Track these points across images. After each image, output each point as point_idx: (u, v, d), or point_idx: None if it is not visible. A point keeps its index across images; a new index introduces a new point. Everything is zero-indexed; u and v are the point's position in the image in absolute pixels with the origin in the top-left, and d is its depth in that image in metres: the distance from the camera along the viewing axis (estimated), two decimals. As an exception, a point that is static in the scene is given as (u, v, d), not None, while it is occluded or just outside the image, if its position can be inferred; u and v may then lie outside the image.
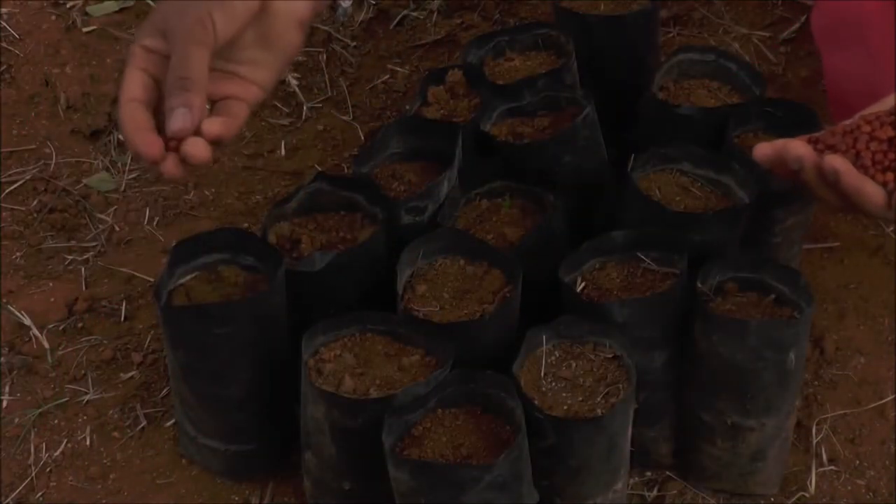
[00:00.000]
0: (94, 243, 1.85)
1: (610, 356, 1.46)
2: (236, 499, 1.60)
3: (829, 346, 1.74)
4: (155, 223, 1.88)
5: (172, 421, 1.65)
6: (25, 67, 2.05)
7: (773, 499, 1.61)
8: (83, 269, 1.82)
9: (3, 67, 2.04)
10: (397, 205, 1.56)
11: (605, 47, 1.78)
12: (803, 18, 2.12)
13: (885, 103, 1.40)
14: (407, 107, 1.78)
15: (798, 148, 1.35)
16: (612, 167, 1.68)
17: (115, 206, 1.90)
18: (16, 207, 1.89)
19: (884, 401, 1.70)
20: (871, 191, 1.32)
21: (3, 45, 2.05)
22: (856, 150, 1.34)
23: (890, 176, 1.32)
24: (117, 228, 1.87)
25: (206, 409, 1.56)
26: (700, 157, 1.62)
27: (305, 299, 1.52)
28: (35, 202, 1.90)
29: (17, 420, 1.67)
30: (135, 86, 1.36)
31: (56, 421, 1.67)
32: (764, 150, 1.38)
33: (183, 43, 1.35)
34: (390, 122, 1.67)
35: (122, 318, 1.77)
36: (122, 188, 1.92)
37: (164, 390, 1.68)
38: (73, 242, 1.85)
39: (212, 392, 1.53)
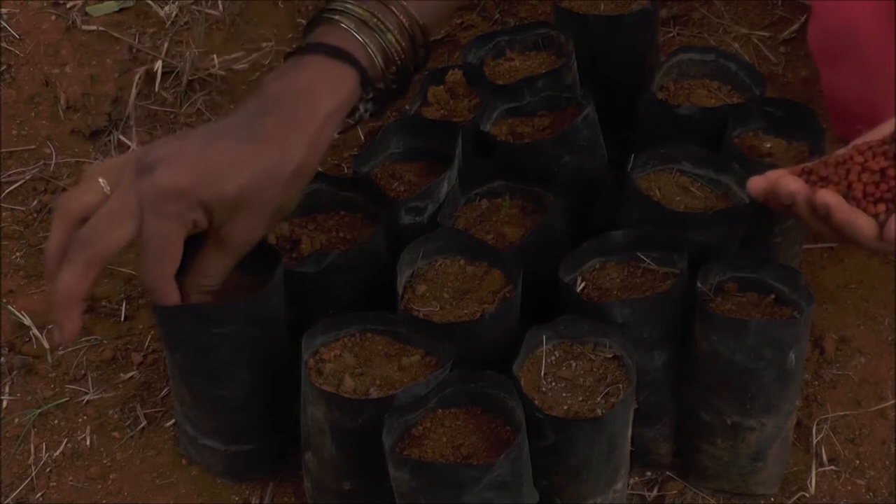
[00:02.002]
0: (94, 243, 1.85)
1: (610, 356, 1.46)
2: (236, 499, 1.60)
3: (829, 346, 1.74)
4: (155, 223, 1.88)
5: (172, 421, 1.65)
6: (25, 68, 2.05)
7: (773, 499, 1.62)
8: (83, 270, 1.82)
9: (3, 67, 2.04)
10: (397, 205, 1.55)
11: (605, 47, 1.78)
12: (803, 18, 2.12)
13: (880, 131, 1.41)
14: (407, 107, 1.78)
15: (790, 183, 1.36)
16: (612, 167, 1.68)
17: (115, 207, 1.89)
18: (16, 207, 1.89)
19: (885, 403, 1.70)
20: (863, 223, 1.33)
21: (3, 45, 2.05)
22: (848, 181, 1.34)
23: (881, 207, 1.32)
24: (117, 228, 1.87)
25: (206, 410, 1.56)
26: (700, 157, 1.62)
27: (305, 299, 1.52)
28: (35, 202, 1.90)
29: (17, 420, 1.67)
30: (174, 262, 1.38)
31: (56, 421, 1.67)
32: (757, 183, 1.39)
33: (227, 254, 1.41)
34: (390, 122, 1.66)
35: (122, 318, 1.77)
36: (122, 188, 1.91)
37: (164, 390, 1.68)
38: (73, 243, 1.85)
39: (211, 392, 1.53)
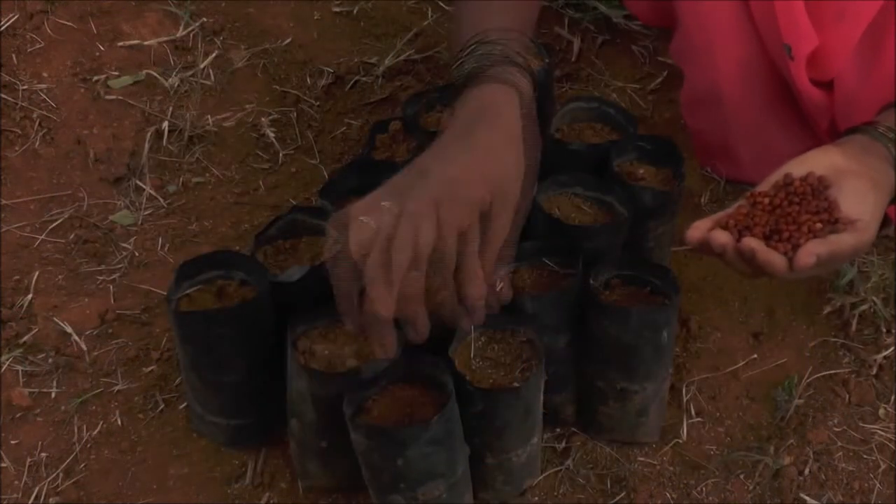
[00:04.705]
0: (119, 266, 1.84)
1: (524, 339, 1.46)
2: (237, 462, 1.59)
3: (693, 325, 1.75)
4: (166, 249, 1.87)
5: (185, 404, 1.64)
6: (62, 130, 2.03)
7: (654, 445, 1.62)
8: (111, 287, 1.81)
9: (45, 131, 2.02)
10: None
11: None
12: (665, 73, 2.14)
13: (769, 181, 1.41)
14: (360, 151, 1.78)
15: (719, 237, 1.35)
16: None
17: (135, 237, 1.88)
18: (57, 240, 1.88)
19: (736, 366, 1.71)
20: (776, 260, 1.33)
21: (44, 112, 2.04)
22: (762, 226, 1.35)
23: (788, 246, 1.32)
24: (137, 254, 1.86)
25: (211, 393, 1.55)
26: (589, 182, 1.62)
27: (287, 303, 1.51)
28: (72, 235, 1.89)
29: (63, 407, 1.65)
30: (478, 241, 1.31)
31: (94, 407, 1.66)
32: (694, 235, 1.38)
33: (493, 249, 1.35)
34: (347, 164, 1.66)
35: (143, 324, 1.76)
36: (140, 222, 1.90)
37: (178, 380, 1.66)
38: (102, 266, 1.84)
39: (214, 379, 1.52)
